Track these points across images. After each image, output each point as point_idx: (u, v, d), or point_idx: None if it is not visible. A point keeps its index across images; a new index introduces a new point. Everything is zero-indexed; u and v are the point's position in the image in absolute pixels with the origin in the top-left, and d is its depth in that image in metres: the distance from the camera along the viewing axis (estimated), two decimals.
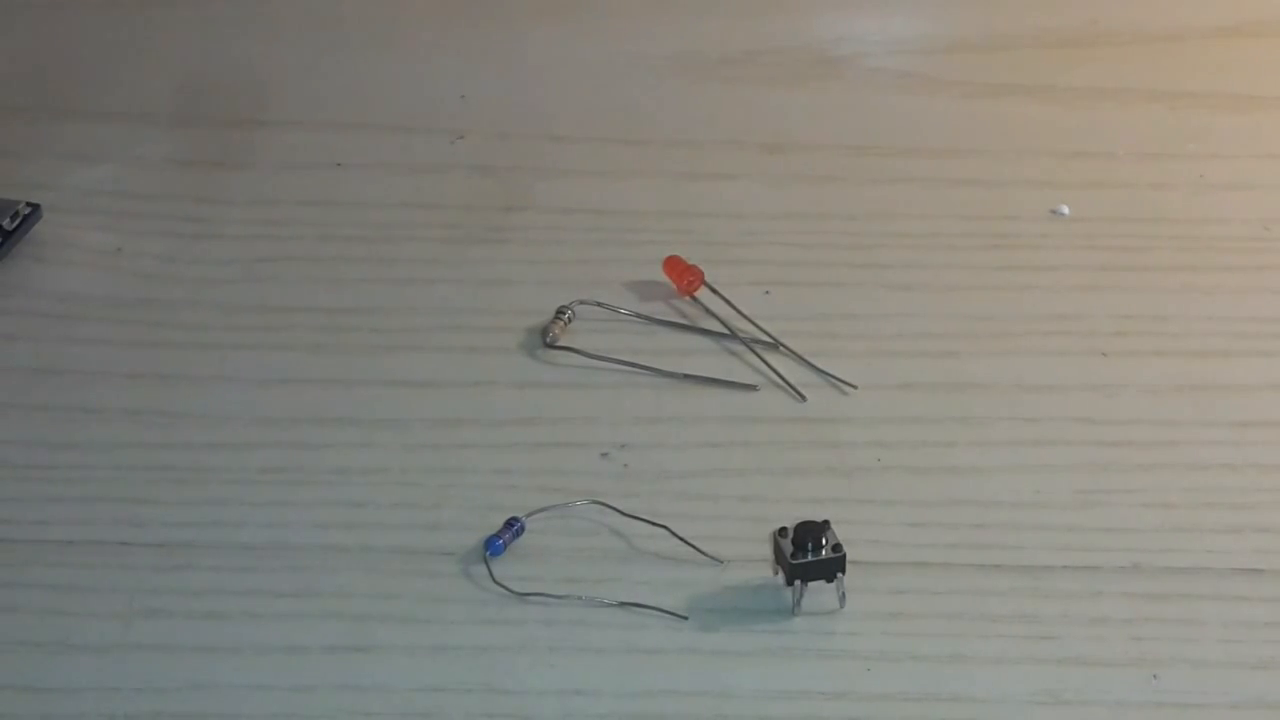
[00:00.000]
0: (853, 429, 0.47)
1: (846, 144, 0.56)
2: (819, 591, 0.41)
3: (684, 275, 0.50)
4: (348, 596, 0.42)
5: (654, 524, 0.43)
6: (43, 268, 0.51)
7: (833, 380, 0.48)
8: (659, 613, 0.41)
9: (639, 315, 0.50)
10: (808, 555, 0.40)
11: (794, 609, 0.41)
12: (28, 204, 0.52)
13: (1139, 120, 0.58)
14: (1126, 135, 0.58)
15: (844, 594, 0.41)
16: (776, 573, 0.41)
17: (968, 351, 0.49)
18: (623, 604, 0.42)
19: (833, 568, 0.41)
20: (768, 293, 0.51)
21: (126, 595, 0.42)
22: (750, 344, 0.49)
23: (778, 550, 0.41)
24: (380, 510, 0.44)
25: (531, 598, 0.42)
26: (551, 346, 0.49)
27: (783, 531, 0.41)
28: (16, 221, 0.51)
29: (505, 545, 0.43)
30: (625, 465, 0.45)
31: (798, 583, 0.41)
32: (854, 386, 0.48)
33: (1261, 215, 0.54)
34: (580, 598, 0.42)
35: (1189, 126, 0.58)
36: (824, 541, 0.40)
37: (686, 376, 0.48)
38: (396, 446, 0.46)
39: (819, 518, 0.43)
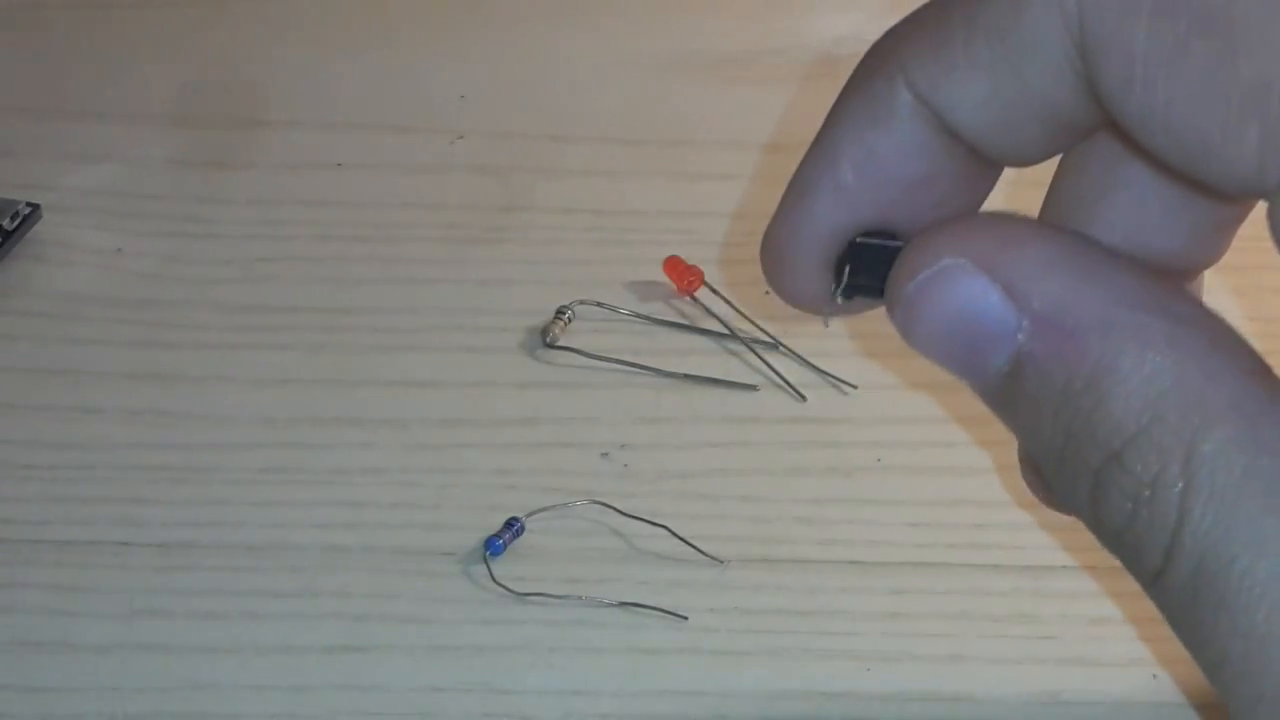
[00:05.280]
0: (853, 429, 0.47)
1: None
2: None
3: (684, 275, 0.50)
4: (348, 596, 0.42)
5: (654, 524, 0.43)
6: (43, 268, 0.51)
7: (833, 380, 0.48)
8: (659, 613, 0.41)
9: (639, 315, 0.50)
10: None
11: (835, 296, 0.31)
12: (28, 204, 0.52)
13: None
14: None
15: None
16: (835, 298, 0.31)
17: None
18: (623, 604, 0.42)
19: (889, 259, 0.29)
20: (768, 293, 0.50)
21: (127, 595, 0.42)
22: (750, 344, 0.49)
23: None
24: (380, 510, 0.44)
25: (531, 598, 0.42)
26: (551, 346, 0.49)
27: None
28: (16, 221, 0.51)
29: (505, 545, 0.43)
30: (625, 465, 0.45)
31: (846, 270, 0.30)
32: (854, 386, 0.48)
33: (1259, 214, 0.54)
34: (580, 598, 0.42)
35: None
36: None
37: (686, 376, 0.48)
38: (396, 446, 0.46)
39: (819, 518, 0.43)
